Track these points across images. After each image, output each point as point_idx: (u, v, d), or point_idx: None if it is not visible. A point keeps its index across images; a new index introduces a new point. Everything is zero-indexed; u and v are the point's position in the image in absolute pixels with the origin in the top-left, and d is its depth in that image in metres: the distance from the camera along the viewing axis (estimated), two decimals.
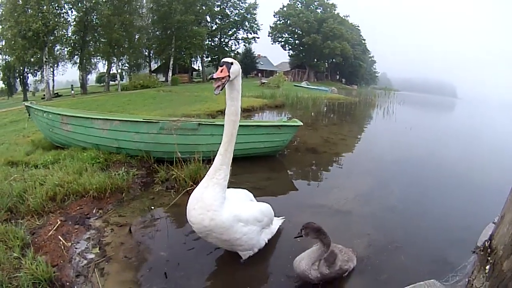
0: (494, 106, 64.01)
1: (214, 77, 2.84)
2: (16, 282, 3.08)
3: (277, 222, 4.23)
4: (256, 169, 7.20)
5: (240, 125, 7.54)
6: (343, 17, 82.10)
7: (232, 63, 3.00)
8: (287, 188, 6.28)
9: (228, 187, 3.41)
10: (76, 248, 3.84)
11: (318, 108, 23.21)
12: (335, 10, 79.93)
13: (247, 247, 3.52)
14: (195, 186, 5.48)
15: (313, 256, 3.25)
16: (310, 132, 12.52)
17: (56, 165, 6.00)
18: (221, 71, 2.89)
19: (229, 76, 2.93)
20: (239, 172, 6.02)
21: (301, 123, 8.17)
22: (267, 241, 3.80)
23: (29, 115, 8.20)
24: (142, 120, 6.92)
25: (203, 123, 7.01)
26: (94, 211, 4.74)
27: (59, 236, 3.97)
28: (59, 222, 4.25)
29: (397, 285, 3.25)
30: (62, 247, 3.78)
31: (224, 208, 3.22)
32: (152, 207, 4.99)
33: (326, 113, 20.99)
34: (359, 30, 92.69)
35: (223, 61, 2.98)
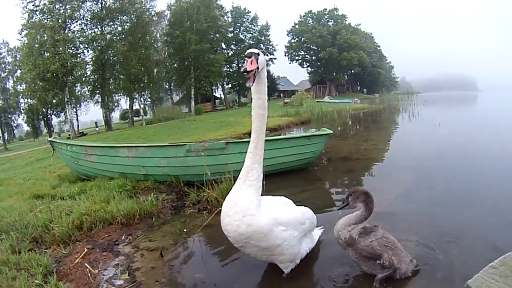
0: None
1: (248, 69, 2.63)
2: None
3: (317, 232, 3.84)
4: (289, 183, 6.88)
5: (267, 140, 7.39)
6: (355, 27, 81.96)
7: (258, 54, 2.76)
8: (324, 198, 5.95)
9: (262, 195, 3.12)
10: (103, 275, 3.66)
11: (344, 119, 22.92)
12: (346, 20, 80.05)
13: (289, 256, 3.12)
14: None
15: (352, 218, 3.13)
16: (339, 142, 12.27)
17: (83, 196, 5.90)
18: (251, 63, 2.66)
19: (258, 67, 2.70)
20: (272, 188, 5.62)
21: (331, 131, 7.90)
22: (308, 251, 3.41)
23: (53, 149, 8.24)
24: (168, 144, 6.79)
25: (231, 141, 6.81)
26: (122, 238, 4.57)
27: (86, 264, 3.81)
28: (85, 250, 4.10)
29: (456, 282, 2.94)
30: (89, 274, 3.62)
31: (261, 211, 2.88)
32: (184, 230, 4.75)
33: (353, 123, 20.66)
34: (373, 37, 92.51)
35: (250, 52, 2.74)
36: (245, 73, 2.65)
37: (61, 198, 6.07)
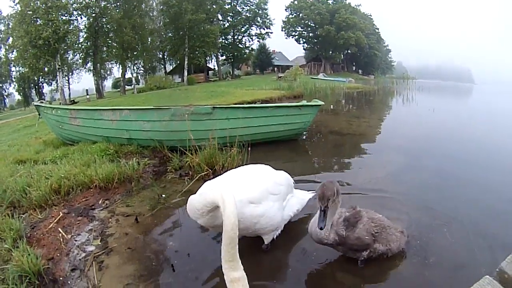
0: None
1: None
2: (2, 274, 2.81)
3: (307, 195, 3.66)
4: (277, 153, 6.70)
5: (258, 107, 7.23)
6: (355, 7, 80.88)
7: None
8: (312, 169, 5.78)
9: None
10: (76, 240, 3.50)
11: (337, 97, 22.72)
12: (346, 0, 78.91)
13: (271, 227, 2.97)
14: (210, 171, 5.04)
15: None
16: (331, 117, 12.15)
17: (64, 160, 5.70)
18: None
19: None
20: (259, 158, 5.47)
21: (322, 102, 7.70)
22: (292, 215, 3.31)
23: (39, 114, 8.02)
24: (152, 107, 6.54)
25: (217, 106, 6.56)
26: (99, 202, 4.39)
27: (59, 229, 3.66)
28: (61, 215, 3.95)
29: (449, 268, 2.83)
30: (61, 240, 3.47)
31: None
32: (163, 195, 4.55)
33: (346, 101, 20.47)
34: (372, 19, 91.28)
35: None
36: None
37: (43, 163, 5.86)
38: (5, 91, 55.54)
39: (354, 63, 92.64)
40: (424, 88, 34.07)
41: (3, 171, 5.34)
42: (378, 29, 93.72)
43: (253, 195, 2.82)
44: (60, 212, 4.00)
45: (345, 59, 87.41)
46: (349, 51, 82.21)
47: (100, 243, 3.41)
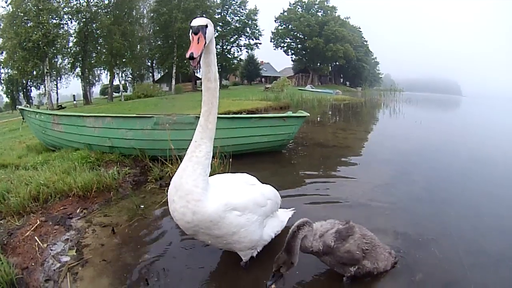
0: (501, 101, 63.67)
1: (195, 55, 2.15)
2: None
3: (286, 215, 3.53)
4: (260, 165, 6.59)
5: (241, 118, 7.17)
6: (344, 19, 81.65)
7: (207, 26, 2.32)
8: (296, 182, 5.70)
9: None
10: (52, 250, 3.43)
11: (324, 108, 22.86)
12: (335, 12, 79.57)
13: (248, 244, 2.81)
14: None
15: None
16: (317, 128, 12.19)
17: (45, 166, 5.60)
18: (198, 41, 2.23)
19: (205, 42, 2.29)
20: (242, 169, 5.40)
21: (308, 114, 7.68)
22: (274, 236, 3.10)
23: (23, 118, 7.89)
24: (135, 116, 6.47)
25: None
26: (77, 211, 4.32)
27: (36, 237, 3.59)
28: (38, 223, 3.87)
29: (437, 286, 2.81)
30: (37, 249, 3.40)
31: (210, 195, 2.55)
32: (141, 206, 4.48)
33: (332, 113, 20.56)
34: (361, 32, 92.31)
35: (198, 26, 2.28)
36: (190, 60, 2.18)
37: (24, 168, 5.75)
38: None
39: (341, 75, 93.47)
40: (412, 101, 34.51)
41: None
42: (366, 41, 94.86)
43: (238, 202, 2.68)
44: (38, 220, 3.93)
45: (333, 71, 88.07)
46: (337, 63, 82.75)
47: (75, 253, 3.33)
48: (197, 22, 2.31)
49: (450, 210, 4.41)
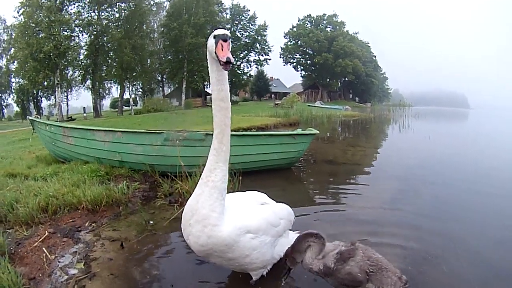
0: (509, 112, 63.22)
1: (232, 60, 2.20)
2: None
3: (294, 236, 3.52)
4: (269, 182, 6.63)
5: (251, 135, 7.19)
6: (353, 35, 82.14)
7: (230, 37, 2.37)
8: (305, 199, 5.72)
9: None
10: (59, 261, 3.42)
11: (333, 124, 22.89)
12: (344, 27, 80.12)
13: (260, 265, 2.79)
14: None
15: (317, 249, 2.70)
16: (327, 145, 12.15)
17: (55, 178, 5.61)
18: (228, 48, 2.27)
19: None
20: (250, 186, 5.36)
21: (317, 131, 7.67)
22: (282, 255, 2.98)
23: (34, 129, 7.96)
24: (145, 131, 6.49)
25: (211, 133, 6.48)
26: (86, 224, 4.32)
27: (44, 248, 3.58)
28: (46, 234, 3.88)
29: None
30: (44, 260, 3.39)
31: (224, 219, 2.53)
32: (151, 222, 4.48)
33: (342, 129, 20.62)
34: (369, 47, 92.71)
35: (226, 35, 2.32)
36: (226, 64, 2.21)
37: (33, 179, 5.79)
38: (4, 101, 56.00)
39: (351, 91, 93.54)
40: (421, 115, 34.52)
41: None
42: (375, 56, 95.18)
43: (252, 224, 2.65)
44: (46, 231, 3.94)
45: (342, 86, 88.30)
46: (346, 79, 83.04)
47: (83, 266, 3.32)
48: (224, 31, 2.36)
49: (457, 224, 4.40)
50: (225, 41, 2.27)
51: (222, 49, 2.25)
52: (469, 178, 7.22)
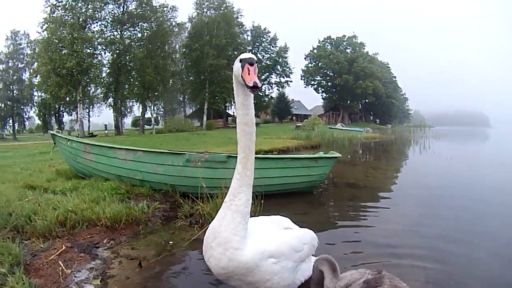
0: None
1: (259, 84, 2.20)
2: None
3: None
4: (291, 205, 6.55)
5: (274, 158, 7.17)
6: (373, 55, 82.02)
7: (257, 60, 2.37)
8: (327, 223, 5.63)
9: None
10: (75, 276, 3.42)
11: (354, 147, 22.71)
12: (364, 48, 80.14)
13: None
14: None
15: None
16: (348, 168, 12.07)
17: (74, 193, 5.67)
18: (254, 72, 2.28)
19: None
20: (272, 209, 5.29)
21: (339, 155, 7.62)
22: (303, 280, 2.93)
23: (55, 143, 8.05)
24: (167, 151, 6.54)
25: (233, 155, 6.45)
26: (104, 241, 4.34)
27: (60, 262, 3.59)
28: (63, 248, 3.90)
29: None
30: (60, 273, 3.40)
31: (247, 243, 2.50)
32: (170, 242, 4.45)
33: (363, 151, 20.43)
34: (389, 67, 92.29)
35: (252, 58, 2.33)
36: (253, 88, 2.21)
37: (53, 192, 5.85)
38: (26, 114, 56.78)
39: (371, 113, 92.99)
40: (441, 135, 34.31)
41: (12, 194, 5.36)
42: (395, 77, 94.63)
43: (275, 249, 2.60)
44: (63, 245, 3.95)
45: (362, 108, 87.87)
46: (366, 100, 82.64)
47: (99, 283, 3.32)
48: (250, 55, 2.36)
49: (481, 250, 4.29)
50: (251, 64, 2.27)
51: (248, 73, 2.25)
52: (491, 200, 7.10)
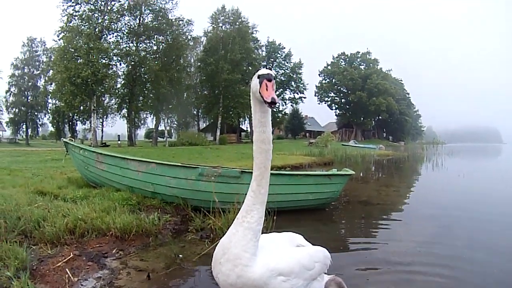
0: None
1: (276, 100, 2.19)
2: None
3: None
4: (303, 223, 6.50)
5: (287, 175, 7.13)
6: (386, 72, 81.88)
7: (275, 77, 2.37)
8: (339, 242, 5.58)
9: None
10: (82, 285, 3.42)
11: (367, 164, 22.68)
12: (377, 65, 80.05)
13: None
14: None
15: None
16: (361, 185, 12.01)
17: (85, 201, 5.67)
18: (272, 88, 2.25)
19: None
20: (284, 226, 5.22)
21: (353, 172, 7.60)
22: None
23: (67, 151, 8.08)
24: (180, 164, 6.54)
25: (246, 171, 6.45)
26: (113, 251, 4.33)
27: (67, 269, 3.59)
28: (71, 255, 3.89)
29: None
30: (66, 281, 3.39)
31: (257, 260, 2.43)
32: (180, 255, 4.42)
33: (375, 168, 20.41)
34: (402, 84, 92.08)
35: (270, 74, 2.29)
36: (271, 104, 2.19)
37: (63, 199, 5.87)
38: (39, 120, 57.12)
39: (384, 129, 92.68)
40: (454, 152, 34.18)
41: (22, 198, 5.35)
42: (408, 93, 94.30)
43: (284, 267, 2.50)
44: (71, 253, 3.95)
45: (375, 125, 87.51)
46: (379, 117, 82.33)
47: None
48: (268, 71, 2.33)
49: (492, 270, 4.22)
50: (269, 80, 2.25)
51: (266, 89, 2.23)
52: (504, 217, 7.10)
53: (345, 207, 8.15)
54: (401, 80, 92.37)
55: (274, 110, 42.84)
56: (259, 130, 2.49)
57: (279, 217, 5.24)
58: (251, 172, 5.90)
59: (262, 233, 2.56)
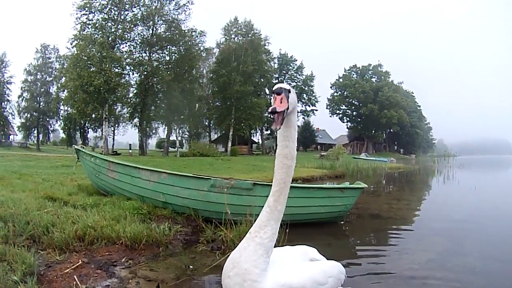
0: None
1: (277, 109, 2.13)
2: None
3: None
4: (315, 236, 6.44)
5: (300, 188, 7.10)
6: (398, 84, 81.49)
7: (289, 90, 2.29)
8: (352, 255, 5.55)
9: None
10: None
11: (378, 177, 22.50)
12: (389, 77, 79.68)
13: None
14: None
15: None
16: (372, 198, 11.96)
17: (95, 209, 5.69)
18: (280, 101, 2.20)
19: (287, 107, 2.23)
20: (296, 239, 5.17)
21: (365, 185, 7.56)
22: None
23: (78, 158, 8.14)
24: (192, 175, 6.55)
25: (259, 183, 6.45)
26: (122, 260, 4.31)
27: (75, 276, 3.58)
28: (80, 262, 3.90)
29: None
30: None
31: (267, 276, 2.36)
32: (191, 266, 4.39)
33: (387, 181, 20.27)
34: (414, 96, 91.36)
35: (280, 87, 2.24)
36: (272, 114, 2.15)
37: (73, 206, 5.89)
38: (51, 126, 57.53)
39: (395, 142, 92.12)
40: (465, 165, 33.90)
41: (31, 203, 5.38)
42: (419, 106, 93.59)
43: (295, 282, 2.41)
44: (80, 260, 3.95)
45: (387, 138, 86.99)
46: (391, 130, 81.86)
47: None
48: (279, 85, 2.30)
49: (507, 282, 4.24)
50: (278, 94, 2.22)
51: (274, 102, 2.21)
52: None
53: (357, 221, 8.15)
54: (412, 93, 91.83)
55: None
56: (282, 145, 2.45)
57: (291, 231, 5.15)
58: (264, 185, 5.85)
59: (274, 247, 2.52)
